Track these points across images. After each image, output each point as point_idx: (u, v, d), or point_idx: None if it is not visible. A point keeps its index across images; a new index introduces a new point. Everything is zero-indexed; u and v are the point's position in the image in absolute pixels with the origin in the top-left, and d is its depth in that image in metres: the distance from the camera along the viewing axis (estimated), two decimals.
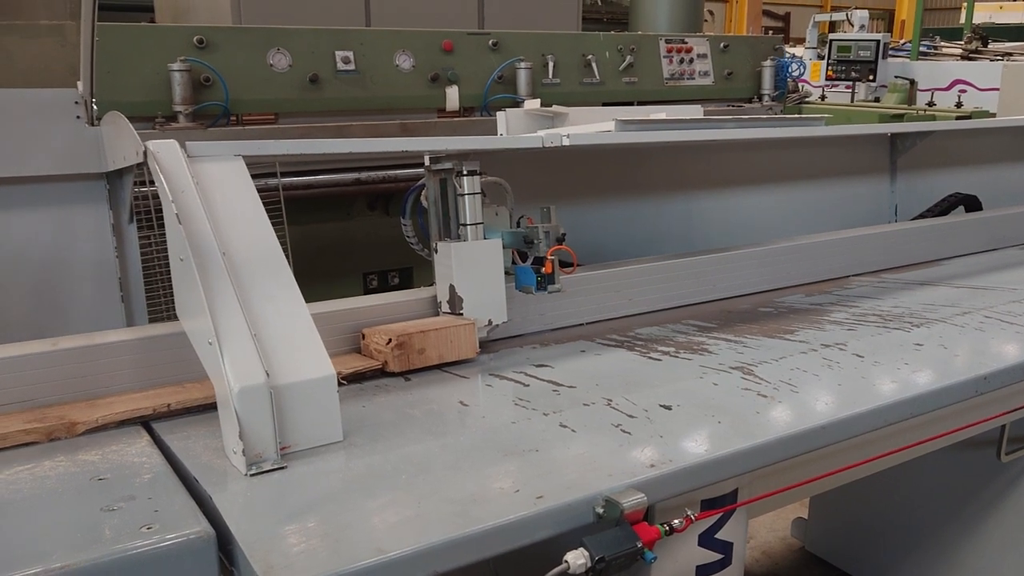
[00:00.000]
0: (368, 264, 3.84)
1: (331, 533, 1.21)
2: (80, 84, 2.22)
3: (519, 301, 2.14)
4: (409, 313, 2.04)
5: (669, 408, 1.66)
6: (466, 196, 2.00)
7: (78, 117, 2.24)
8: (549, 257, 2.01)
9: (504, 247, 2.07)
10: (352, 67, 3.74)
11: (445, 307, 2.05)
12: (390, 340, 1.86)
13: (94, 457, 1.45)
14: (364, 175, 3.57)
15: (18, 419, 1.55)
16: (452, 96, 3.95)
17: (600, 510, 1.30)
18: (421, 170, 2.12)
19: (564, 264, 2.08)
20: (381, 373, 1.88)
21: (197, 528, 1.18)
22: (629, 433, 1.54)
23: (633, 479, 1.35)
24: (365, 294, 3.11)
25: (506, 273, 2.09)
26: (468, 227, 2.01)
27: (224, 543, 1.20)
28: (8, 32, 2.48)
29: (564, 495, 1.30)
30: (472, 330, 1.98)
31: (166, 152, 1.65)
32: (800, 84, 5.78)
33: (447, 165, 2.02)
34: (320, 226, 3.69)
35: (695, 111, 3.07)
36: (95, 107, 2.26)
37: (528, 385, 1.82)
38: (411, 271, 3.86)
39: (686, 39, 4.89)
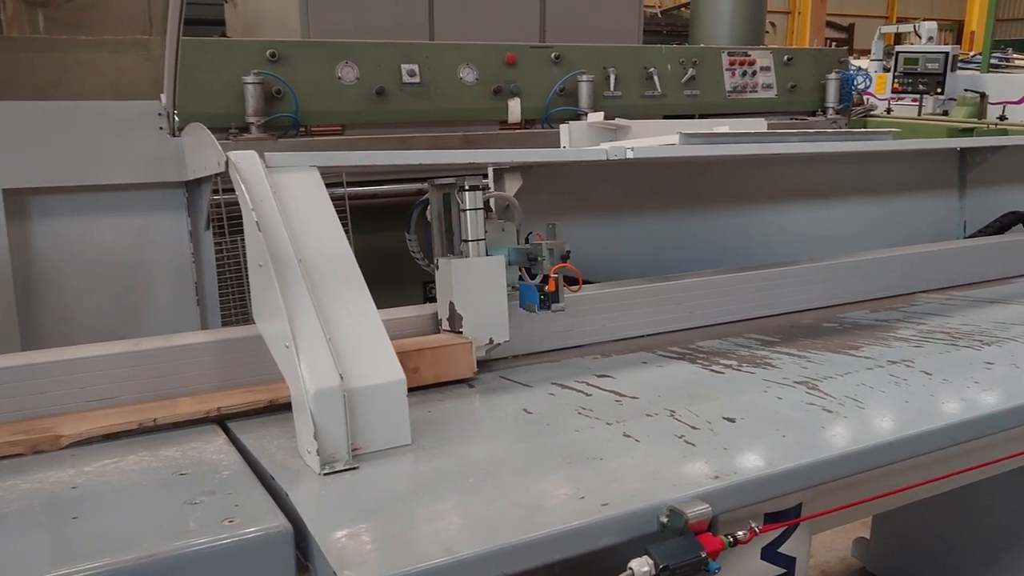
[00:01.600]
0: (428, 273, 3.89)
1: (402, 532, 1.25)
2: (163, 96, 2.32)
3: (573, 311, 2.10)
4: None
5: (733, 421, 1.66)
6: (467, 211, 1.93)
7: (161, 128, 2.34)
8: (552, 275, 1.93)
9: (510, 264, 2.00)
10: (417, 80, 3.81)
11: (446, 324, 2.00)
12: None
13: (175, 453, 1.52)
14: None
15: (4, 431, 1.56)
16: (514, 108, 4.00)
17: (664, 519, 1.31)
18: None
19: (570, 281, 2.01)
20: None
21: (276, 523, 1.23)
22: (693, 444, 1.55)
23: (697, 490, 1.37)
24: (424, 303, 3.16)
25: (514, 290, 2.02)
26: (470, 243, 1.94)
27: (300, 539, 1.25)
28: (97, 47, 2.60)
29: (629, 503, 1.32)
30: (469, 349, 1.91)
31: (246, 163, 1.71)
32: (865, 97, 5.70)
33: (450, 180, 1.97)
34: (382, 235, 3.75)
35: (759, 124, 3.05)
36: (176, 118, 2.35)
37: (590, 395, 1.84)
38: None
39: (749, 52, 4.87)
